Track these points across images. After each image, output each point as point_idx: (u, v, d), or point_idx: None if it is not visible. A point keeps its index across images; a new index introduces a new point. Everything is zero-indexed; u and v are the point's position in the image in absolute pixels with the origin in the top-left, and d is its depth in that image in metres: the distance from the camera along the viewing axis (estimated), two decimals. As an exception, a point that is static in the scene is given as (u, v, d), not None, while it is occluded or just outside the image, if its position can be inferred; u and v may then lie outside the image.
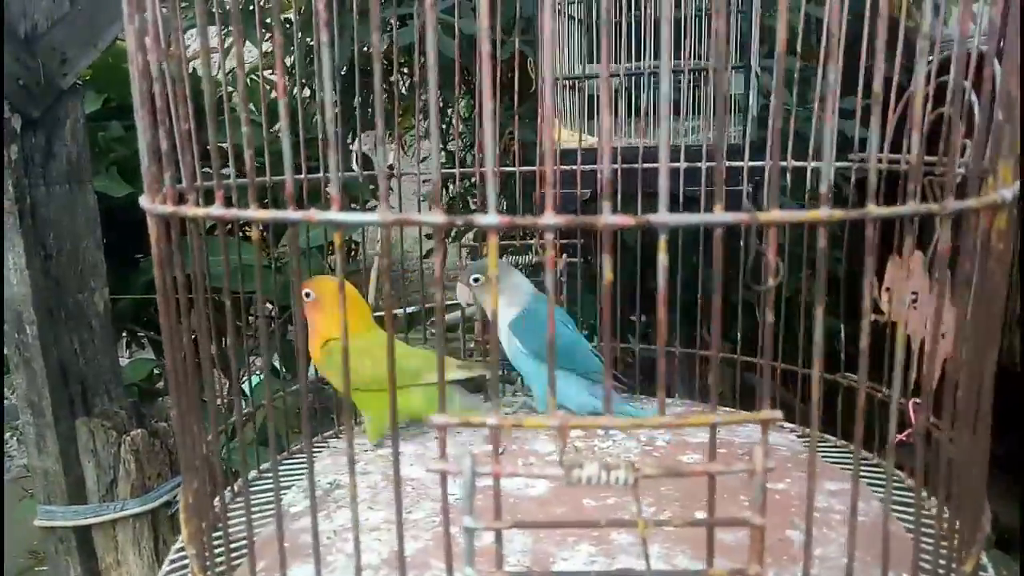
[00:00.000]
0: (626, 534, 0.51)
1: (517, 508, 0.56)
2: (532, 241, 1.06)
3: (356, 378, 0.67)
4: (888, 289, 0.56)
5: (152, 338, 1.78)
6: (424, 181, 1.12)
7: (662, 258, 0.25)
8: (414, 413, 0.71)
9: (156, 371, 1.76)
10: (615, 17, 1.06)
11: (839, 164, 0.69)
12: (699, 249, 0.94)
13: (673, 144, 0.98)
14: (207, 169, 0.38)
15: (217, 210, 0.28)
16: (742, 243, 0.76)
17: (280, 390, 0.88)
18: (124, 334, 1.75)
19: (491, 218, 0.25)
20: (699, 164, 0.81)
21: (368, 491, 0.59)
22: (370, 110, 1.71)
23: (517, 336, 0.76)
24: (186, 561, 0.49)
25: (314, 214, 0.26)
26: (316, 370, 0.79)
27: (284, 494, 0.60)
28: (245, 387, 1.59)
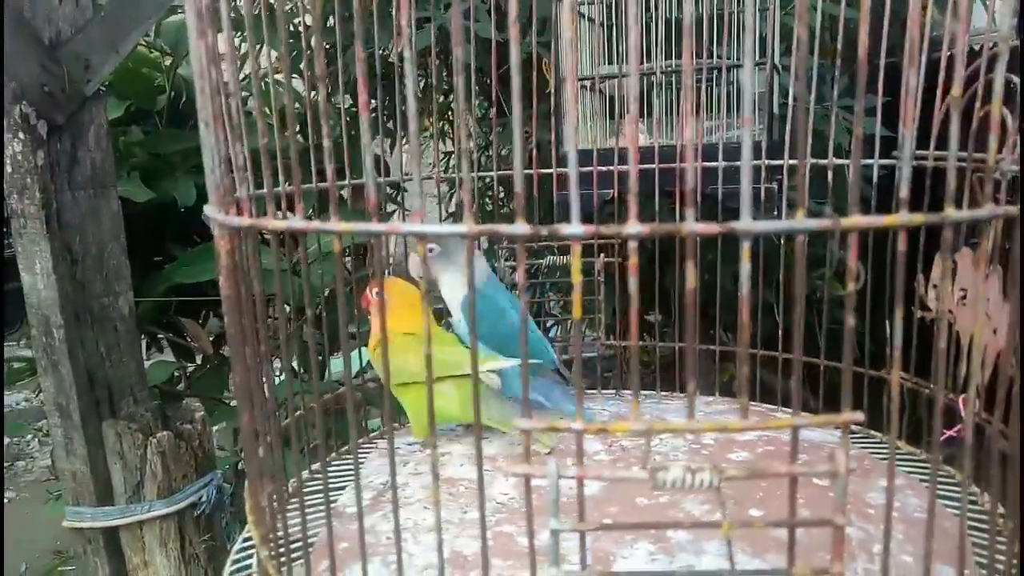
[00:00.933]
0: (683, 532, 0.52)
1: (572, 508, 0.56)
2: (553, 243, 1.06)
3: (404, 373, 0.69)
4: (935, 286, 0.57)
5: (172, 340, 1.80)
6: (441, 182, 1.12)
7: (745, 266, 0.25)
8: (452, 415, 0.72)
9: (175, 374, 1.78)
10: (617, 19, 1.07)
11: (884, 162, 0.69)
12: (717, 248, 0.94)
13: (694, 144, 0.98)
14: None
15: (298, 222, 0.29)
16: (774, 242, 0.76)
17: (298, 392, 0.88)
18: (144, 337, 1.76)
19: (575, 228, 0.25)
20: (736, 163, 0.81)
21: (423, 491, 0.60)
22: (385, 115, 1.71)
23: (466, 317, 0.75)
24: (249, 562, 0.50)
25: (399, 226, 0.27)
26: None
27: (339, 495, 0.61)
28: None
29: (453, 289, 0.79)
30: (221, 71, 0.34)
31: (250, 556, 0.52)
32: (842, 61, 0.79)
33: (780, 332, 0.84)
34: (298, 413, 0.73)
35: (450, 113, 1.94)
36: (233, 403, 1.89)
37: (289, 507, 0.55)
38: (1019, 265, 0.56)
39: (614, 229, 0.25)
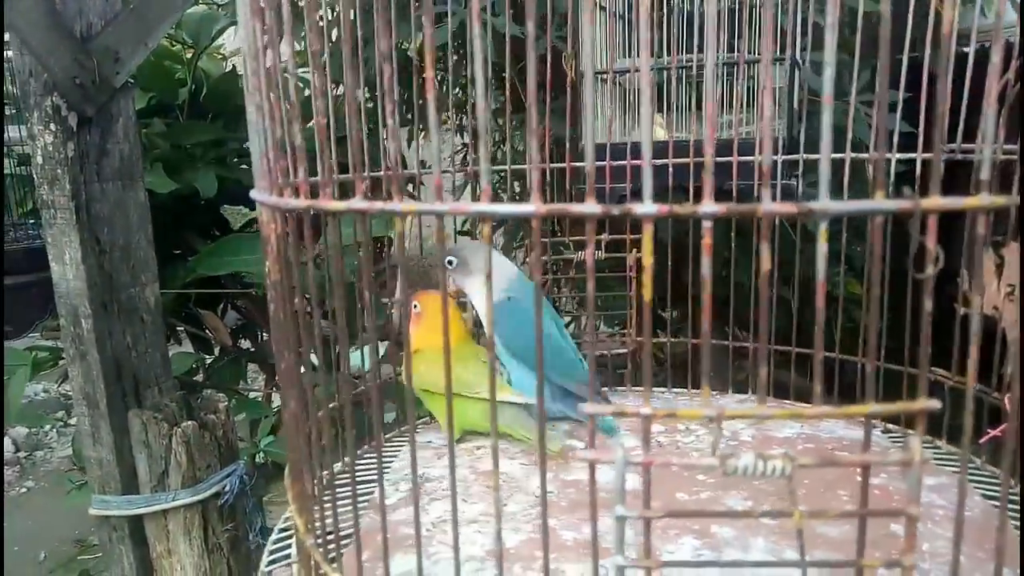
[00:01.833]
0: (728, 527, 0.51)
1: (610, 504, 0.56)
2: (566, 238, 1.06)
3: (428, 383, 0.69)
4: (980, 280, 0.56)
5: (191, 332, 1.81)
6: (457, 172, 1.12)
7: (822, 247, 0.25)
8: (472, 423, 0.71)
9: (194, 365, 1.79)
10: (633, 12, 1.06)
11: (903, 156, 0.68)
12: (731, 244, 0.93)
13: (721, 138, 0.98)
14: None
15: (359, 203, 0.29)
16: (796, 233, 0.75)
17: (318, 384, 0.88)
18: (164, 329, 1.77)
19: (649, 207, 0.25)
20: (750, 158, 0.81)
21: (460, 485, 0.59)
22: (404, 107, 1.71)
23: (497, 327, 0.73)
24: (288, 551, 0.50)
25: (464, 205, 0.27)
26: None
27: (374, 487, 0.61)
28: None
29: (482, 297, 0.75)
30: (278, 51, 0.34)
31: (288, 546, 0.52)
32: (862, 56, 0.78)
33: (795, 328, 0.84)
34: (332, 405, 0.73)
35: (467, 108, 1.93)
36: (251, 395, 1.90)
37: (327, 497, 0.55)
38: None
39: (689, 208, 0.25)
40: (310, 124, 0.38)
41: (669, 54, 1.04)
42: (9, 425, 2.84)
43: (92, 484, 1.20)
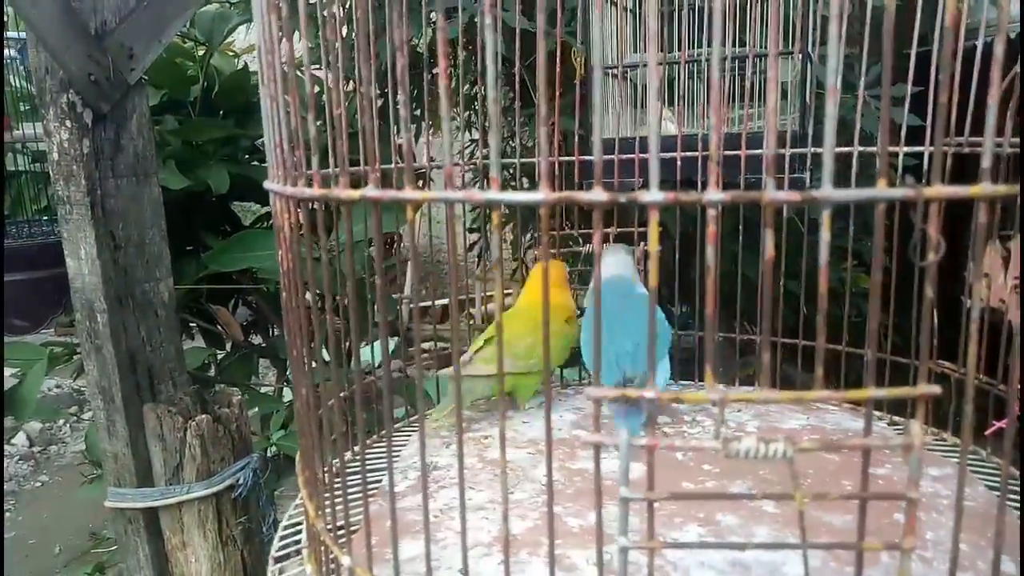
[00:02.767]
0: (732, 515, 0.52)
1: (617, 490, 0.56)
2: (575, 231, 1.06)
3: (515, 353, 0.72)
4: (987, 275, 0.56)
5: (203, 327, 1.83)
6: (468, 169, 1.12)
7: (824, 235, 0.25)
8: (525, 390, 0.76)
9: (207, 360, 1.81)
10: (643, 6, 1.06)
11: (911, 149, 0.68)
12: (739, 239, 0.94)
13: (730, 133, 0.98)
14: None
15: (372, 191, 0.29)
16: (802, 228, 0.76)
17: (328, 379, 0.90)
18: (177, 324, 1.79)
19: (655, 195, 0.26)
20: (759, 151, 0.81)
21: (467, 473, 0.60)
22: (413, 103, 1.72)
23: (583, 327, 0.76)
24: (298, 537, 0.51)
25: (474, 193, 0.27)
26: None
27: (382, 475, 0.62)
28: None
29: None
30: (292, 45, 0.35)
31: (298, 532, 0.53)
32: (871, 50, 0.78)
33: (802, 322, 0.84)
34: (343, 394, 0.74)
35: (475, 103, 1.94)
36: (263, 389, 1.91)
37: (337, 483, 0.56)
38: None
39: (695, 196, 0.25)
40: (319, 123, 0.39)
41: (678, 49, 1.04)
42: (23, 420, 2.88)
43: (108, 477, 1.21)
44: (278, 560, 0.50)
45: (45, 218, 1.77)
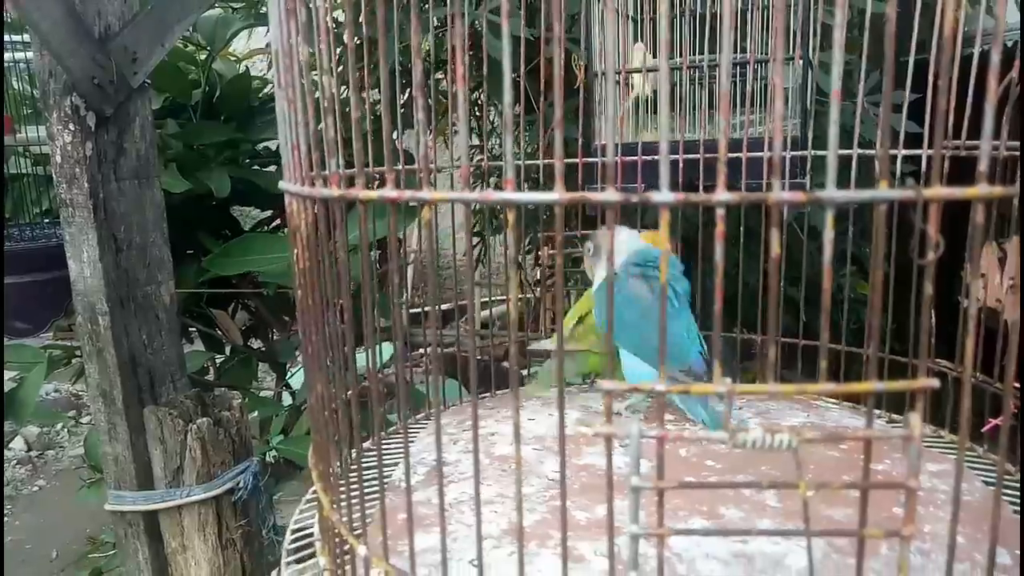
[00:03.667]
0: (735, 508, 0.53)
1: (623, 485, 0.57)
2: (577, 233, 1.07)
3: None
4: (983, 275, 0.57)
5: (203, 331, 1.83)
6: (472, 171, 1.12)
7: (828, 234, 0.26)
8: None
9: (206, 364, 1.81)
10: (648, 13, 1.07)
11: (908, 152, 0.70)
12: (740, 245, 0.94)
13: (731, 138, 0.99)
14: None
15: (390, 191, 0.30)
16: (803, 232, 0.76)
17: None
18: (177, 327, 1.80)
19: (665, 195, 0.26)
20: (760, 153, 0.82)
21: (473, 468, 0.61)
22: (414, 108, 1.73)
23: (599, 309, 0.76)
24: (311, 532, 0.51)
25: (490, 194, 0.28)
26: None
27: (393, 470, 0.63)
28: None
29: (598, 276, 0.80)
30: (317, 47, 0.36)
31: (311, 525, 0.53)
32: (870, 56, 0.79)
33: (801, 327, 0.85)
34: (349, 392, 0.74)
35: (477, 109, 1.95)
36: (262, 393, 1.92)
37: (352, 476, 0.56)
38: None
39: (703, 197, 0.26)
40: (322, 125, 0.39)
41: (680, 55, 1.05)
42: (22, 423, 2.87)
43: (108, 480, 1.22)
44: (290, 553, 0.51)
45: (47, 220, 1.78)
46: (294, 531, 0.54)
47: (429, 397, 0.83)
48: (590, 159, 0.93)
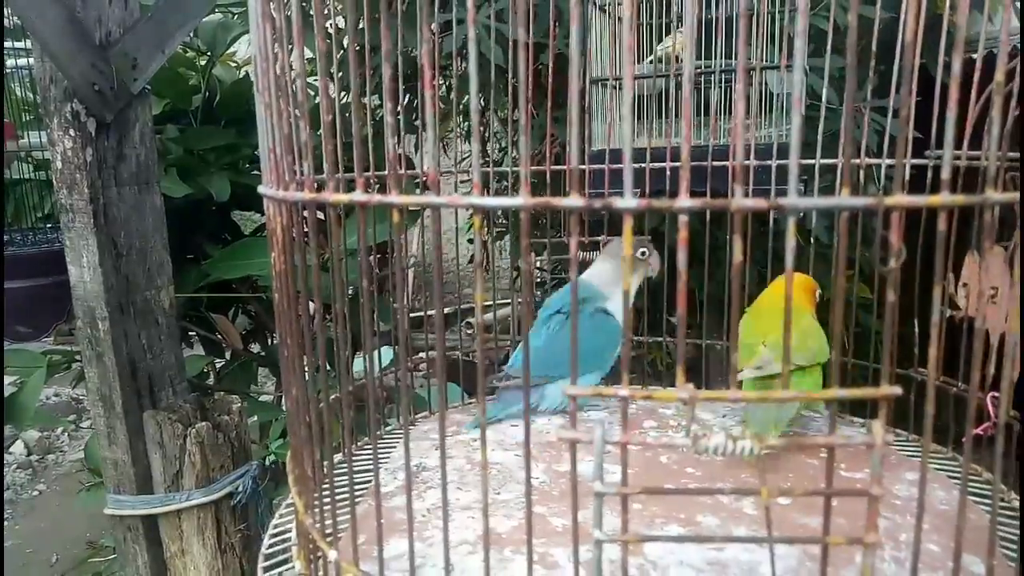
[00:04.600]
0: (712, 516, 0.53)
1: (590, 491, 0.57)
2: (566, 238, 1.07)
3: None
4: (965, 285, 0.57)
5: (202, 335, 1.84)
6: (462, 181, 1.13)
7: (791, 241, 0.26)
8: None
9: (206, 368, 1.82)
10: (640, 19, 1.08)
11: (914, 161, 0.70)
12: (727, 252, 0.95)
13: (724, 145, 0.99)
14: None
15: (360, 196, 0.31)
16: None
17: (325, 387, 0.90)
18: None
19: (628, 201, 0.27)
20: (766, 162, 0.83)
21: (455, 474, 0.62)
22: (413, 114, 1.74)
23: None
24: (289, 535, 0.51)
25: (458, 199, 0.29)
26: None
27: (381, 475, 0.63)
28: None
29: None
30: (286, 54, 0.36)
31: (288, 530, 0.54)
32: (873, 62, 0.80)
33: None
34: (333, 397, 0.75)
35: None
36: (262, 398, 1.92)
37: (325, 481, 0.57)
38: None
39: (666, 203, 0.26)
40: (318, 131, 0.40)
41: (673, 61, 1.06)
42: (22, 428, 2.89)
43: (107, 484, 1.22)
44: (267, 557, 0.51)
45: (48, 225, 1.79)
46: (272, 535, 0.54)
47: (429, 401, 0.83)
48: (582, 166, 0.93)
